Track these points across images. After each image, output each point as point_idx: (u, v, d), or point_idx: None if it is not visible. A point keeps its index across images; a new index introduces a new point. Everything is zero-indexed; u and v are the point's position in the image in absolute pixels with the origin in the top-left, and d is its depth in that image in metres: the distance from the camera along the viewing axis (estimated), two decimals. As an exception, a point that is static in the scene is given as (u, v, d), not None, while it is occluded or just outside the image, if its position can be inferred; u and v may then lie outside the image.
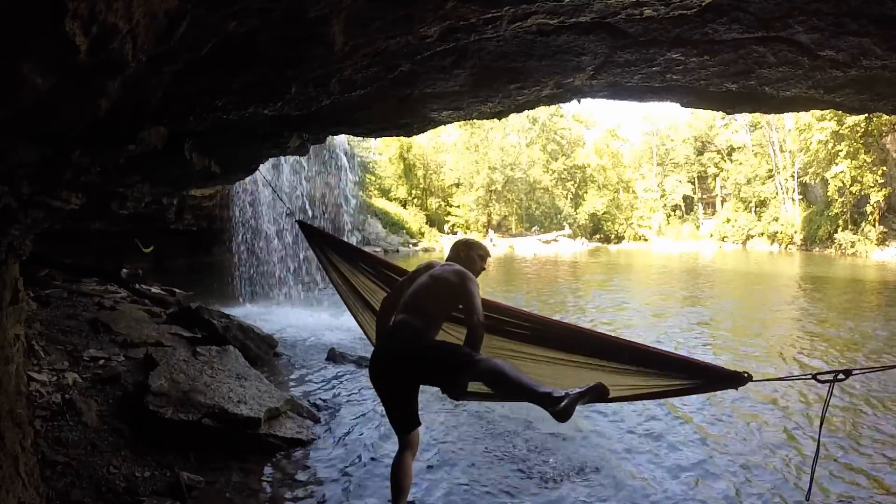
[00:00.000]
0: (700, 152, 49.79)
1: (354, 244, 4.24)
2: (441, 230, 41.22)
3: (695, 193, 49.71)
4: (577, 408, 2.30)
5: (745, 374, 2.22)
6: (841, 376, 1.99)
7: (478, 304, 2.66)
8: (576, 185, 51.17)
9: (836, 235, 30.71)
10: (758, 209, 41.98)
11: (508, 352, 2.91)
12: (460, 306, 2.77)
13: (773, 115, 31.20)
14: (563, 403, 2.24)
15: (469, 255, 2.98)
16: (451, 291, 2.75)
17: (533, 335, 2.88)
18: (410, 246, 31.64)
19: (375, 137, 5.25)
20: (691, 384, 2.46)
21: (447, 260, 3.01)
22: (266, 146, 3.61)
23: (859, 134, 28.24)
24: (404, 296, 2.87)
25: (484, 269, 3.02)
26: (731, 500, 3.30)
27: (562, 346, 2.77)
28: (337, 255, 3.79)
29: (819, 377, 2.03)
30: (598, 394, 2.39)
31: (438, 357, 2.66)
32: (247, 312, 8.71)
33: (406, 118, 3.56)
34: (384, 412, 2.89)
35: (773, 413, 4.76)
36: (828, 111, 16.87)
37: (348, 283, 3.74)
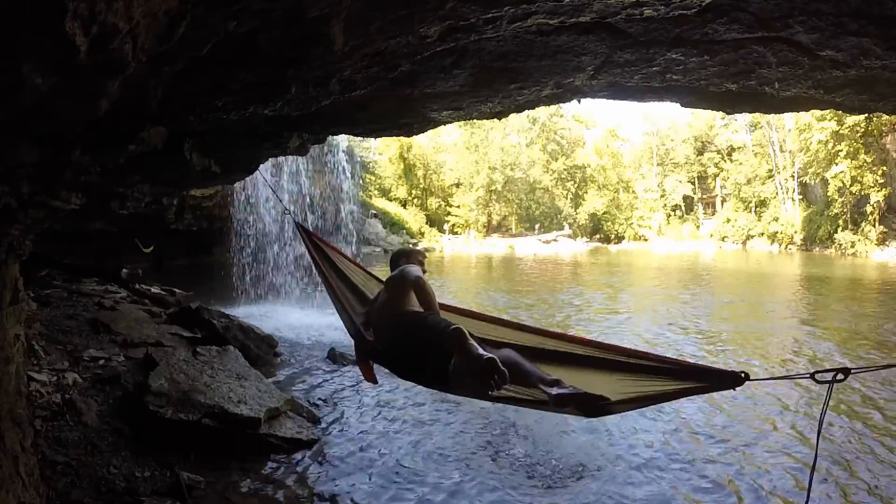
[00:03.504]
0: (700, 152, 49.72)
1: (341, 249, 4.31)
2: (441, 230, 41.20)
3: (695, 193, 49.66)
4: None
5: (742, 374, 2.21)
6: (840, 376, 1.97)
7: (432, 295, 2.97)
8: (576, 185, 51.11)
9: (836, 235, 30.67)
10: (758, 209, 41.96)
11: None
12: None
13: (773, 115, 31.21)
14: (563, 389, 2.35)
15: (409, 262, 3.29)
16: (411, 289, 3.00)
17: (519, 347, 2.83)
18: (410, 246, 31.62)
19: (375, 137, 5.25)
20: (686, 386, 2.42)
21: (392, 270, 3.27)
22: (266, 146, 3.61)
23: (859, 134, 28.20)
24: (381, 307, 3.11)
25: (426, 270, 3.32)
26: None
27: (547, 358, 2.71)
28: (326, 258, 3.83)
29: (817, 377, 2.01)
30: (591, 406, 2.41)
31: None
32: (247, 312, 8.70)
33: (406, 118, 3.56)
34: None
35: (773, 416, 4.74)
36: (828, 111, 16.86)
37: (334, 285, 3.79)
